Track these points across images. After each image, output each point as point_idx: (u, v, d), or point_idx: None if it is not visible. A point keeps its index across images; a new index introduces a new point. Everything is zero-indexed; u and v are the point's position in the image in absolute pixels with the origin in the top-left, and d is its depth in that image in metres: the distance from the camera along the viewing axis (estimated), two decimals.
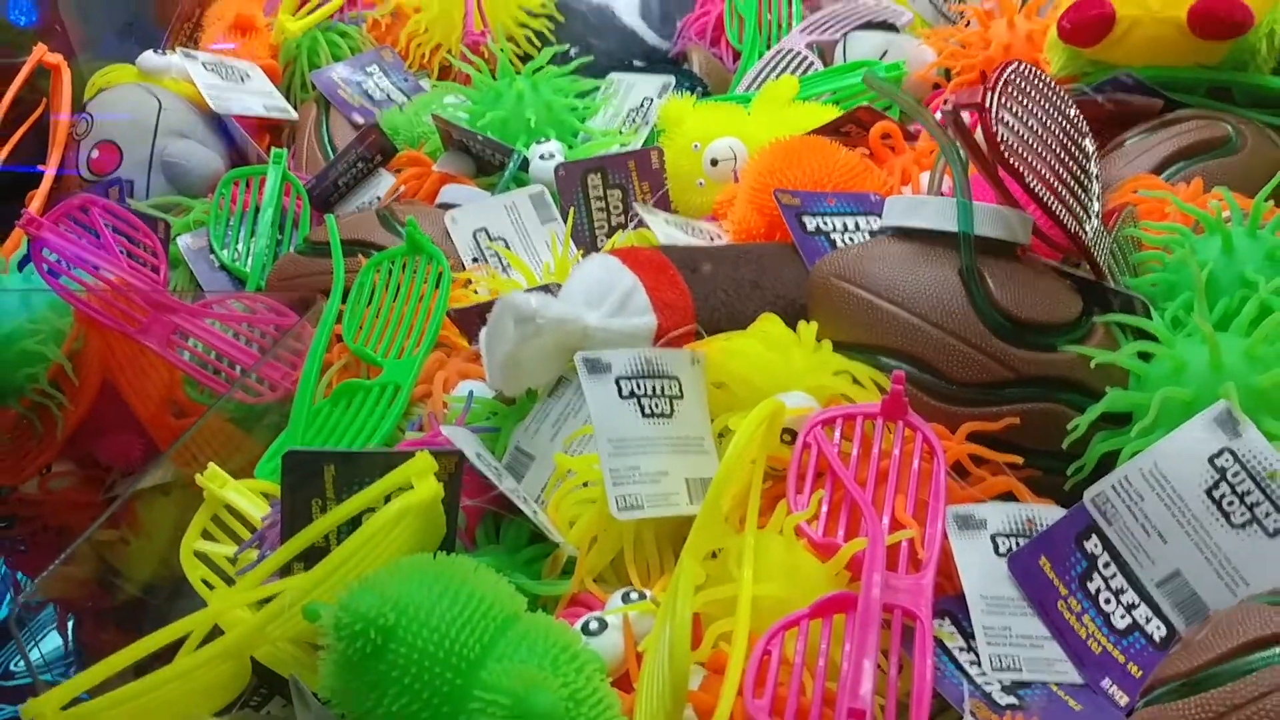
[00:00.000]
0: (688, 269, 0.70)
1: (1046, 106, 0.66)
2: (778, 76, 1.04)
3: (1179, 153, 0.82)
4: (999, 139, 0.61)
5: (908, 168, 0.83)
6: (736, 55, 1.13)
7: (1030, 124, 0.63)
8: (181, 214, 0.97)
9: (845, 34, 1.02)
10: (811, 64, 1.03)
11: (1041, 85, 0.66)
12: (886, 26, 1.03)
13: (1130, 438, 0.59)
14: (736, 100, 1.01)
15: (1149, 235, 0.69)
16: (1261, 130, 0.84)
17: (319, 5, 1.15)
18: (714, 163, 0.91)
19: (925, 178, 0.81)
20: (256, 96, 1.06)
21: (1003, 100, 0.62)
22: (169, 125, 1.00)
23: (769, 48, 1.11)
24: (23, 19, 1.30)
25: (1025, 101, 0.64)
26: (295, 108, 1.10)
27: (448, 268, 0.81)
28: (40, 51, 1.01)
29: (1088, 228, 0.65)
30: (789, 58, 1.05)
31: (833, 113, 0.90)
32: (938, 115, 0.65)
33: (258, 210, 0.95)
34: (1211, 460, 0.53)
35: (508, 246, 0.88)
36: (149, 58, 1.06)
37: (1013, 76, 0.63)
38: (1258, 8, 0.84)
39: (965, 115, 0.63)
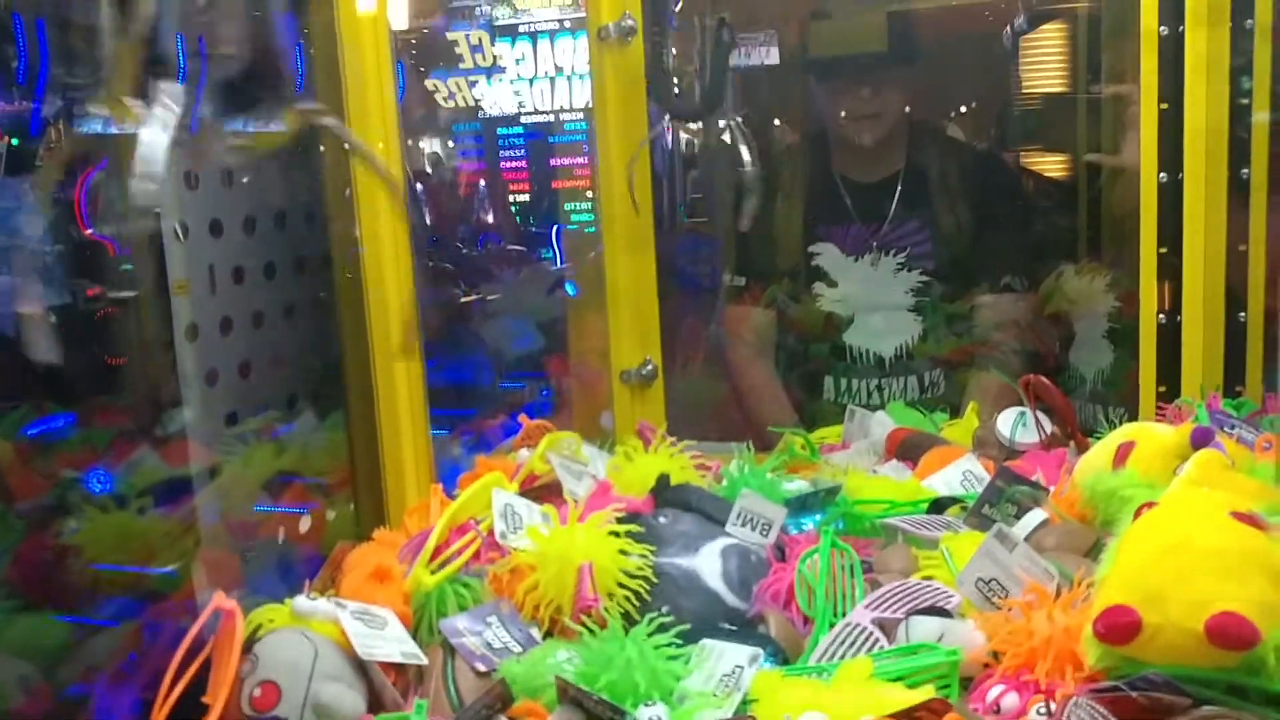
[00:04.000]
0: None
1: None
2: (848, 649, 1.19)
3: None
4: None
5: None
6: (806, 619, 1.29)
7: None
8: None
9: (907, 615, 1.19)
10: (877, 640, 1.19)
11: (1098, 716, 0.81)
12: (941, 610, 1.20)
13: None
14: (816, 671, 1.16)
15: None
16: None
17: (449, 559, 1.33)
18: None
19: None
20: (394, 643, 1.21)
21: None
22: (323, 670, 1.14)
23: (836, 614, 1.27)
24: (98, 486, 1.48)
25: None
26: (422, 650, 1.24)
27: None
28: (219, 598, 1.17)
29: None
30: (856, 631, 1.21)
31: (906, 697, 1.05)
32: None
33: None
34: None
35: None
36: (302, 604, 1.22)
37: (1075, 710, 0.78)
38: (1264, 626, 1.01)
39: None
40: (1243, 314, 1.97)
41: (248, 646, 1.16)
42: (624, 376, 2.21)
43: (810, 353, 2.49)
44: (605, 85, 2.00)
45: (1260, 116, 1.95)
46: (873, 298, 2.38)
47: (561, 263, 3.77)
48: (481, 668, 1.21)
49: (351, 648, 1.17)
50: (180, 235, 1.47)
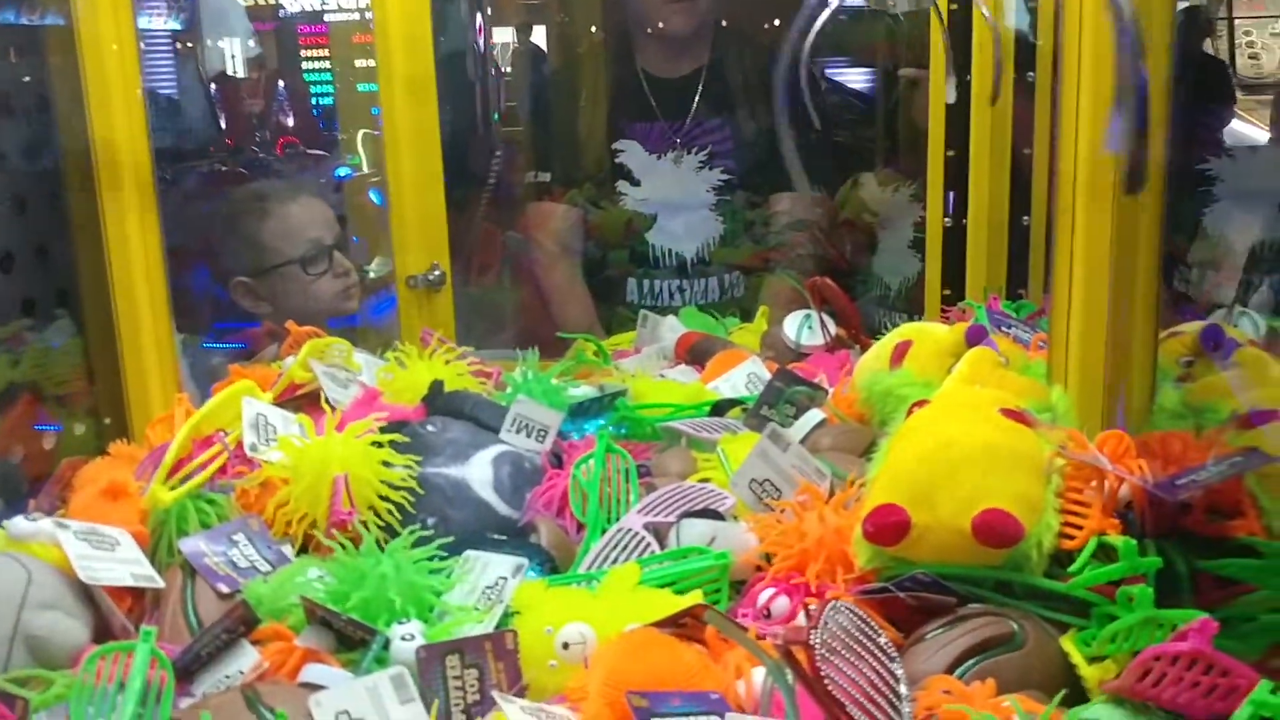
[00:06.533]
0: None
1: (861, 639, 0.77)
2: (619, 555, 1.14)
3: (972, 649, 0.94)
4: (823, 674, 0.71)
5: (740, 664, 0.92)
6: (580, 526, 1.24)
7: (848, 656, 0.74)
8: (41, 687, 0.99)
9: (679, 519, 1.14)
10: (649, 545, 1.14)
11: (857, 619, 0.78)
12: (713, 513, 1.16)
13: None
14: (583, 579, 1.11)
15: None
16: (1039, 624, 0.98)
17: (192, 474, 1.23)
18: (565, 646, 0.99)
19: (757, 674, 0.91)
20: (125, 565, 1.10)
21: (825, 639, 0.73)
22: (36, 598, 1.03)
23: (609, 520, 1.23)
24: None
25: (844, 636, 0.75)
26: (161, 572, 1.14)
27: None
28: None
29: None
30: (628, 537, 1.16)
31: (673, 603, 1.01)
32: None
33: (121, 685, 0.97)
34: None
35: None
36: (20, 525, 1.10)
37: (832, 614, 0.75)
38: (1027, 522, 1.00)
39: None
40: (1026, 217, 1.99)
41: None
42: (410, 282, 2.12)
43: (610, 259, 2.45)
44: None
45: (1044, 21, 1.97)
46: (675, 196, 2.35)
47: (367, 168, 3.62)
48: (224, 589, 1.12)
49: (75, 572, 1.06)
50: None
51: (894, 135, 2.70)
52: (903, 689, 0.79)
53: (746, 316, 2.15)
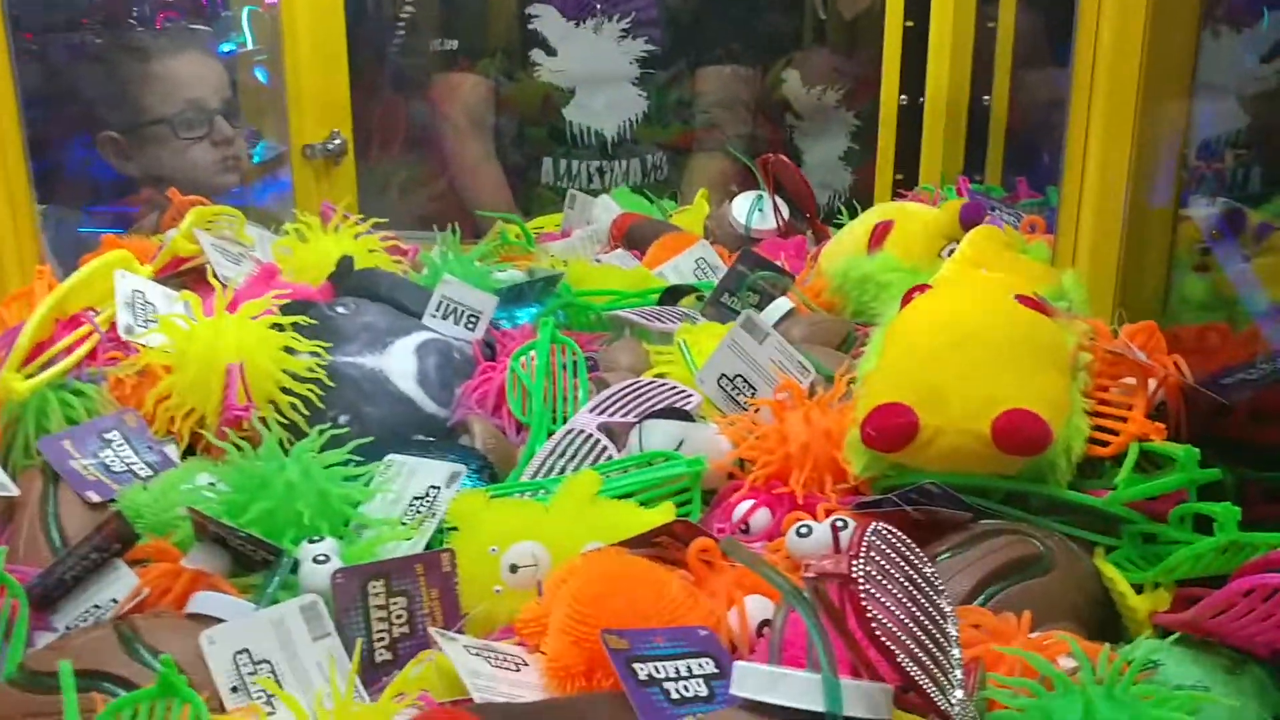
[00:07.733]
0: None
1: (905, 569, 0.62)
2: (568, 462, 0.99)
3: (995, 573, 0.81)
4: (870, 615, 0.56)
5: (730, 591, 0.77)
6: (519, 426, 1.08)
7: (892, 590, 0.59)
8: None
9: (640, 421, 0.98)
10: (605, 449, 0.99)
11: (900, 545, 0.63)
12: (680, 413, 1.01)
13: None
14: (532, 488, 0.95)
15: (1002, 694, 0.65)
16: (1064, 542, 0.85)
17: (54, 360, 1.04)
18: (513, 569, 0.83)
19: (752, 603, 0.76)
20: None
21: (868, 570, 0.57)
22: None
23: (555, 421, 1.07)
24: None
25: (887, 567, 0.60)
26: (15, 478, 0.96)
27: (206, 715, 0.68)
28: None
29: (953, 699, 0.61)
30: (579, 440, 1.00)
31: (642, 519, 0.85)
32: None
33: None
34: None
35: (274, 671, 0.76)
36: None
37: (874, 540, 0.60)
38: (1055, 424, 0.86)
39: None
40: (987, 97, 1.85)
41: None
42: (307, 152, 1.92)
43: (526, 135, 2.27)
44: None
45: None
46: (595, 68, 2.18)
47: (252, 45, 3.42)
48: (95, 498, 0.95)
49: None
50: None
51: (820, 23, 2.54)
52: (951, 629, 0.64)
53: (675, 199, 2.00)
